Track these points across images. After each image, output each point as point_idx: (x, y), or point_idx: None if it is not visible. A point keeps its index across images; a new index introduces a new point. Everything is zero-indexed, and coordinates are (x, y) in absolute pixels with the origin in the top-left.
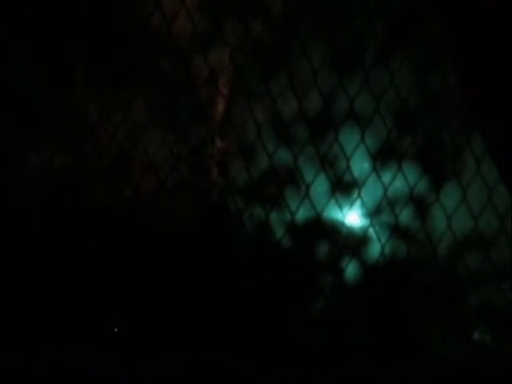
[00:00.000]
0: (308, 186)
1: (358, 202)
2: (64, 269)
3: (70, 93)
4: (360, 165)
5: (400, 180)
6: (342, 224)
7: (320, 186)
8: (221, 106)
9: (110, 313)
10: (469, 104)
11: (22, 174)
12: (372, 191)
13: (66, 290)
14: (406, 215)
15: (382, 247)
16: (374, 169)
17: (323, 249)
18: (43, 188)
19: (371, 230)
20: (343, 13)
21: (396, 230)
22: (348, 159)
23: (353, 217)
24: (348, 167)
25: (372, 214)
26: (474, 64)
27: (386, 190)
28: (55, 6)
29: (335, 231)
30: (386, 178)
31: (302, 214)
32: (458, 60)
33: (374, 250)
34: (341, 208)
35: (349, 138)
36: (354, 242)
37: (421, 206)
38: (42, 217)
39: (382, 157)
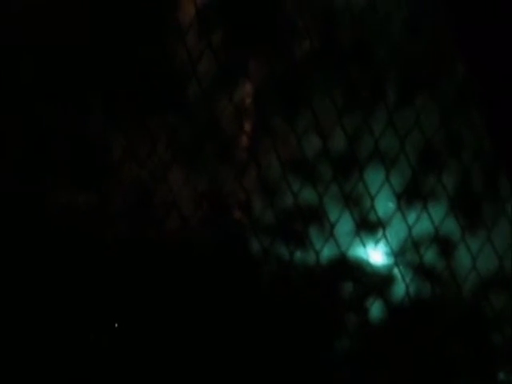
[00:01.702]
0: (333, 225)
1: (382, 242)
2: (87, 306)
3: (94, 131)
4: (385, 204)
5: (425, 219)
6: (367, 263)
7: (344, 225)
8: (245, 145)
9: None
10: (495, 142)
11: (48, 212)
12: (397, 230)
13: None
14: (430, 255)
15: (407, 287)
16: (399, 208)
17: (348, 288)
18: (68, 226)
19: (396, 270)
20: (368, 51)
21: (421, 270)
22: (372, 198)
23: (377, 256)
24: (372, 206)
25: (397, 253)
26: (500, 102)
27: (410, 229)
28: (79, 49)
29: (360, 270)
30: (411, 217)
31: (326, 253)
32: (483, 98)
33: (399, 289)
34: (365, 247)
35: (373, 178)
36: (379, 282)
37: (445, 246)
38: (66, 255)
39: (407, 196)
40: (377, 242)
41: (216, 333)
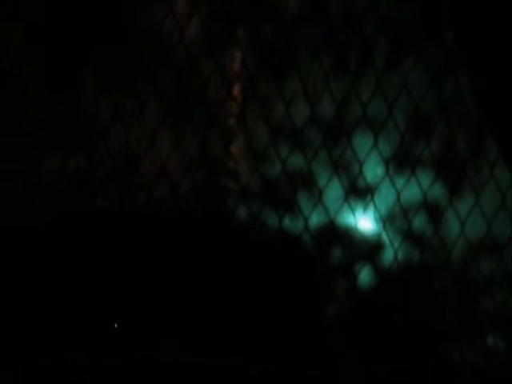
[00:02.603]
0: (321, 192)
1: (371, 208)
2: (73, 272)
3: (81, 96)
4: (373, 170)
5: (413, 185)
6: (356, 229)
7: (333, 191)
8: (233, 111)
9: (119, 319)
10: (482, 107)
11: (34, 177)
12: (385, 196)
13: (73, 295)
14: (419, 220)
15: (395, 253)
16: (388, 174)
17: (336, 254)
18: (56, 191)
19: (385, 236)
20: (355, 15)
21: (409, 236)
22: (361, 164)
23: (366, 222)
24: (361, 172)
25: (385, 219)
26: (488, 67)
27: (399, 195)
28: (66, 10)
29: (348, 236)
30: (400, 183)
31: (315, 219)
32: (471, 63)
33: (388, 255)
34: (354, 213)
35: (362, 143)
36: (368, 248)
37: (434, 212)
38: (53, 220)
39: (396, 162)
40: (365, 207)
41: (205, 300)
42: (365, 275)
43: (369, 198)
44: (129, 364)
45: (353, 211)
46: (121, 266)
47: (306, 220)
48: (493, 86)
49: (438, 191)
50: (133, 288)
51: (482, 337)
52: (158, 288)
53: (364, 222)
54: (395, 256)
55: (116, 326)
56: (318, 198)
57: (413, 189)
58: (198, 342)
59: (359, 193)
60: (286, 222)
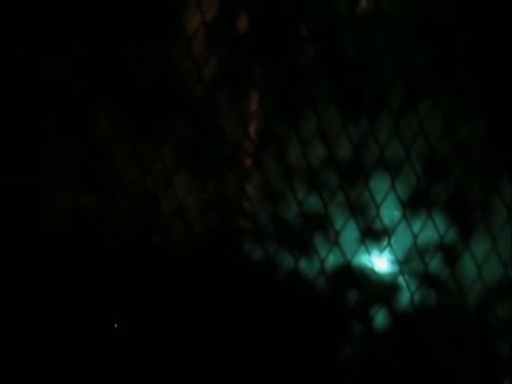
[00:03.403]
0: (337, 233)
1: (387, 250)
2: (87, 311)
3: (98, 136)
4: (390, 212)
5: (430, 228)
6: (372, 271)
7: (350, 233)
8: (250, 152)
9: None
10: (498, 149)
11: (50, 215)
12: (402, 239)
13: (86, 335)
14: (435, 263)
15: (412, 295)
16: (404, 216)
17: (352, 296)
18: (72, 232)
19: (401, 278)
20: (372, 58)
21: (426, 278)
22: (378, 206)
23: (382, 264)
24: (378, 214)
25: (402, 261)
26: (503, 111)
27: (415, 237)
28: (82, 50)
29: (365, 278)
30: (416, 225)
31: (331, 261)
32: (487, 108)
33: (404, 297)
34: (370, 255)
35: (379, 186)
36: (384, 290)
37: (451, 254)
38: (68, 259)
39: (412, 205)
40: (382, 250)
41: (220, 341)
42: (381, 318)
43: (385, 240)
44: None
45: (369, 253)
46: (136, 305)
47: (321, 262)
48: (509, 129)
49: (454, 234)
50: (147, 327)
51: (498, 381)
52: (172, 327)
53: (380, 264)
54: (411, 299)
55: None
56: (334, 239)
57: (429, 231)
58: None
59: (376, 235)
60: (302, 263)
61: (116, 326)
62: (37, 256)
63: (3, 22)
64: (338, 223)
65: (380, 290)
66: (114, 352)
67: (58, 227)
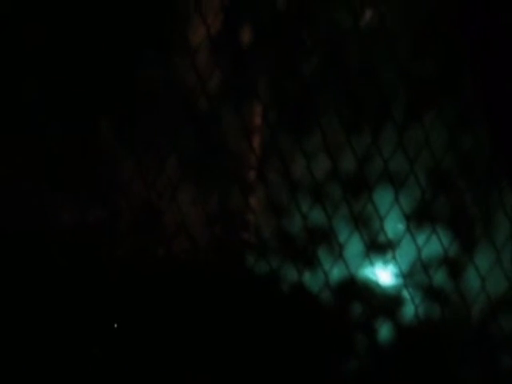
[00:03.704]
0: (342, 247)
1: (391, 263)
2: (91, 324)
3: (102, 149)
4: (394, 225)
5: (434, 241)
6: (376, 284)
7: (354, 246)
8: (254, 165)
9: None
10: (501, 163)
11: (53, 230)
12: (406, 252)
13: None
14: (439, 276)
15: (416, 308)
16: (408, 229)
17: (357, 309)
18: (75, 246)
19: (405, 291)
20: (375, 71)
21: (430, 291)
22: (382, 219)
23: (386, 277)
24: (382, 227)
25: (406, 274)
26: (507, 123)
27: (419, 250)
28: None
29: (369, 291)
30: (420, 238)
31: (335, 274)
32: (491, 120)
33: (408, 311)
34: (374, 268)
35: (383, 199)
36: (388, 303)
37: (455, 267)
38: (72, 273)
39: (416, 218)
40: (386, 263)
41: (224, 354)
42: (385, 331)
43: (389, 253)
44: None
45: (373, 266)
46: (140, 318)
47: (326, 275)
48: None
49: (458, 247)
50: (150, 340)
51: None
52: (176, 341)
53: (384, 277)
54: (415, 312)
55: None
56: (338, 252)
57: (433, 244)
58: None
59: (380, 248)
60: (306, 276)
61: (118, 332)
62: (41, 268)
63: (7, 26)
64: (342, 236)
65: (384, 302)
66: (118, 362)
67: (61, 241)
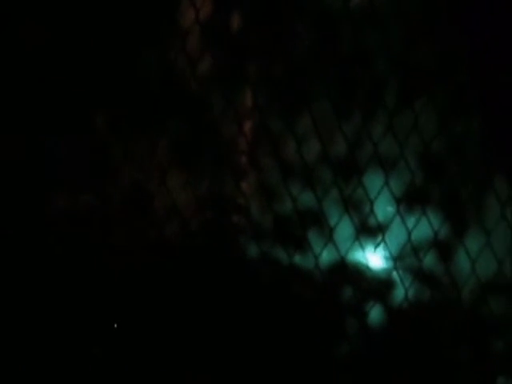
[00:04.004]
0: (332, 230)
1: (381, 246)
2: (82, 311)
3: (93, 135)
4: (384, 208)
5: (424, 224)
6: (366, 267)
7: (344, 229)
8: (244, 149)
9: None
10: (493, 146)
11: (46, 215)
12: (396, 235)
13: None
14: (430, 259)
15: (406, 291)
16: (398, 213)
17: (347, 292)
18: (66, 230)
19: (395, 274)
20: (367, 55)
21: (420, 274)
22: (372, 203)
23: (377, 260)
24: (372, 211)
25: (396, 257)
26: (498, 107)
27: (409, 233)
28: (76, 50)
29: (359, 274)
30: (410, 221)
31: (325, 257)
32: (482, 104)
33: (398, 294)
34: (364, 252)
35: (373, 182)
36: (378, 286)
37: (445, 250)
38: (62, 259)
39: (406, 201)
40: (376, 246)
41: (216, 337)
42: (375, 313)
43: (379, 236)
44: None
45: (363, 249)
46: (130, 304)
47: (316, 258)
48: (504, 125)
49: (448, 230)
50: (143, 323)
51: (493, 377)
52: (166, 326)
53: (374, 260)
54: (406, 294)
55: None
56: (328, 236)
57: (423, 227)
58: (206, 380)
59: (370, 231)
60: (297, 259)
61: (115, 326)
62: (34, 252)
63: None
64: (333, 219)
65: (374, 285)
66: (111, 345)
67: (53, 225)
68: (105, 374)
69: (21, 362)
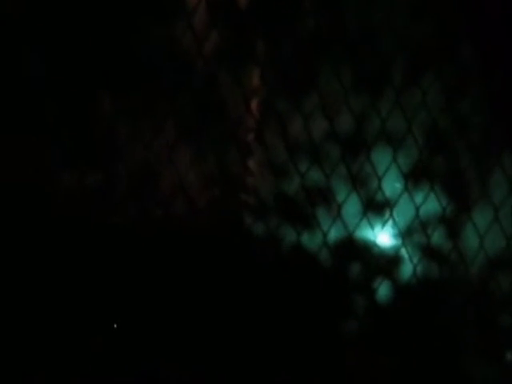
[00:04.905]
0: (339, 207)
1: (389, 222)
2: (88, 288)
3: (100, 114)
4: (392, 185)
5: (432, 200)
6: (374, 244)
7: (352, 206)
8: (252, 127)
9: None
10: (499, 123)
11: (53, 194)
12: (404, 211)
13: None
14: (438, 235)
15: (414, 267)
16: (406, 189)
17: (355, 269)
18: (73, 208)
19: (403, 251)
20: (374, 32)
21: (428, 250)
22: (380, 179)
23: (385, 237)
24: (380, 187)
25: (404, 234)
26: (505, 83)
27: (417, 210)
28: (84, 27)
29: (367, 251)
30: (418, 197)
31: (333, 234)
32: (489, 80)
33: (406, 270)
34: (372, 228)
35: (381, 158)
36: (386, 263)
37: (453, 226)
38: (70, 237)
39: (414, 177)
40: (384, 222)
41: (221, 315)
42: (383, 290)
43: (387, 212)
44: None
45: (371, 226)
46: (137, 281)
47: (324, 235)
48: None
49: (456, 206)
50: (148, 303)
51: (500, 353)
52: (173, 304)
53: (382, 236)
54: (414, 271)
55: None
56: (336, 213)
57: (431, 203)
58: (212, 357)
59: (378, 208)
60: (304, 237)
61: (116, 293)
62: (39, 232)
63: None
64: (340, 196)
65: (382, 262)
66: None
67: (60, 205)
68: (109, 352)
69: (22, 338)
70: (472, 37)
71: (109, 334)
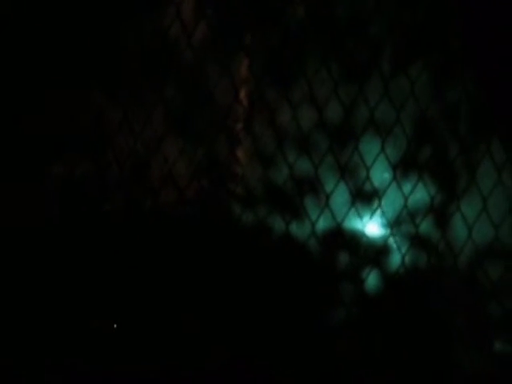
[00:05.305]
0: (328, 196)
1: (378, 212)
2: (80, 278)
3: (89, 103)
4: (380, 175)
5: (421, 190)
6: (363, 234)
7: (340, 195)
8: (240, 116)
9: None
10: (490, 111)
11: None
12: (392, 201)
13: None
14: (426, 225)
15: (403, 257)
16: (395, 179)
17: (343, 259)
18: (62, 197)
19: (392, 240)
20: (362, 21)
21: (416, 240)
22: (368, 169)
23: (373, 227)
24: (368, 177)
25: (392, 223)
26: (494, 72)
27: (406, 200)
28: (72, 18)
29: (355, 241)
30: (407, 187)
31: (321, 224)
32: (478, 69)
33: (395, 260)
34: (361, 218)
35: (369, 148)
36: (375, 252)
37: (441, 216)
38: (60, 227)
39: (403, 167)
40: (373, 212)
41: (211, 304)
42: (372, 280)
43: (376, 202)
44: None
45: (360, 216)
46: (126, 271)
47: (312, 225)
48: (499, 90)
49: (445, 196)
50: (139, 293)
51: (490, 342)
52: (163, 293)
53: (371, 226)
54: (402, 261)
55: (115, 326)
56: (324, 202)
57: (420, 193)
58: (203, 347)
59: (366, 197)
60: (293, 227)
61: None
62: (32, 221)
63: None
64: (329, 186)
65: (371, 252)
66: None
67: (50, 193)
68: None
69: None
70: (461, 25)
71: (103, 326)
